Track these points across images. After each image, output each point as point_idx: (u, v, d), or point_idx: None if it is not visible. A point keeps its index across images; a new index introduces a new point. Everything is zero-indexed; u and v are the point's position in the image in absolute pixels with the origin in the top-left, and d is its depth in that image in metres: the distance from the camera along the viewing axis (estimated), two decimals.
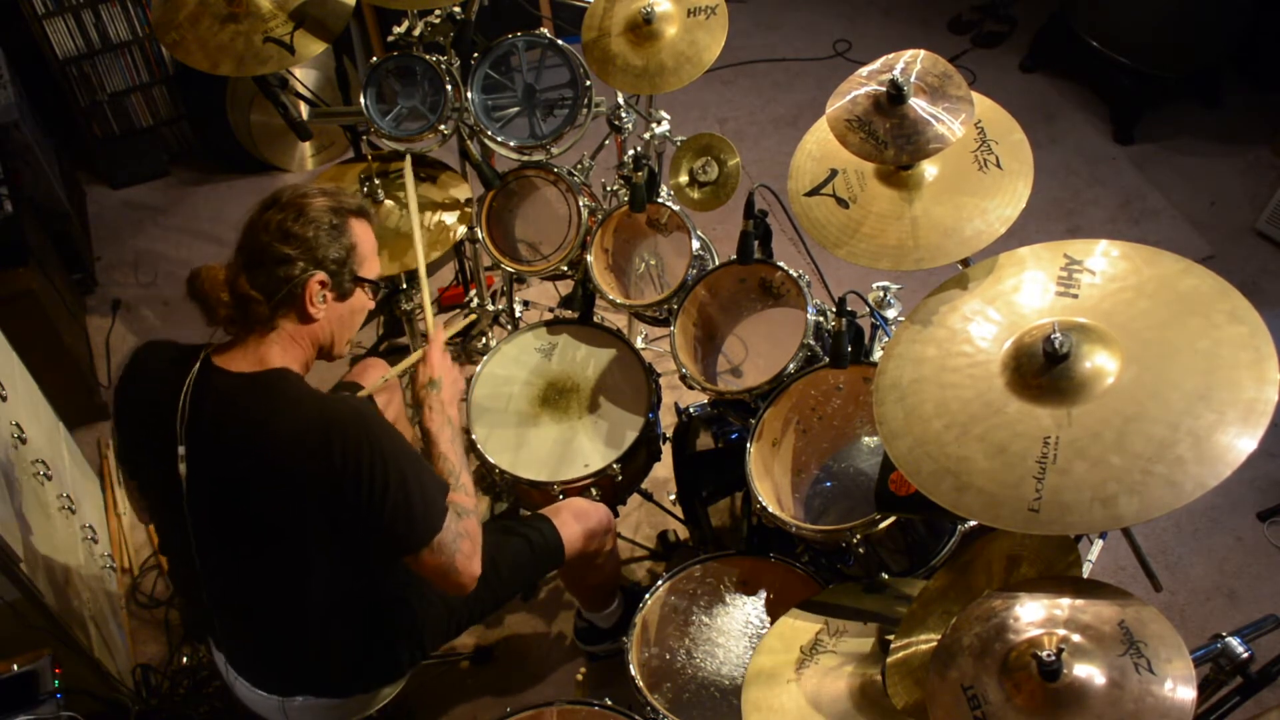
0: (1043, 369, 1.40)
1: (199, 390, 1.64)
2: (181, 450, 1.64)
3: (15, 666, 2.04)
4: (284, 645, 1.80)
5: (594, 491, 2.28)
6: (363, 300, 1.76)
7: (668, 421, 2.48)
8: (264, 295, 1.63)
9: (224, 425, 1.62)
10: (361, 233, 1.72)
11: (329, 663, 1.82)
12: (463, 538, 1.68)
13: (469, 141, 2.55)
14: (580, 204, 2.53)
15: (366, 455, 1.56)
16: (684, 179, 2.54)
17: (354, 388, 2.23)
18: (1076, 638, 1.27)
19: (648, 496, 2.66)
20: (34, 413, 2.49)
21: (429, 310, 2.06)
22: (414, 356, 1.95)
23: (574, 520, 2.13)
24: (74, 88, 3.78)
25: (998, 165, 1.66)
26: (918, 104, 1.61)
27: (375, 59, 2.47)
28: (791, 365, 2.10)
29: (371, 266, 1.77)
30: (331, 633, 1.77)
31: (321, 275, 1.65)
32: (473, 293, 3.17)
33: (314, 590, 1.69)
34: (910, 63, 1.65)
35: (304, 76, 3.64)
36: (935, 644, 1.41)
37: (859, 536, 1.83)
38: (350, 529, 1.62)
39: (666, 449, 2.49)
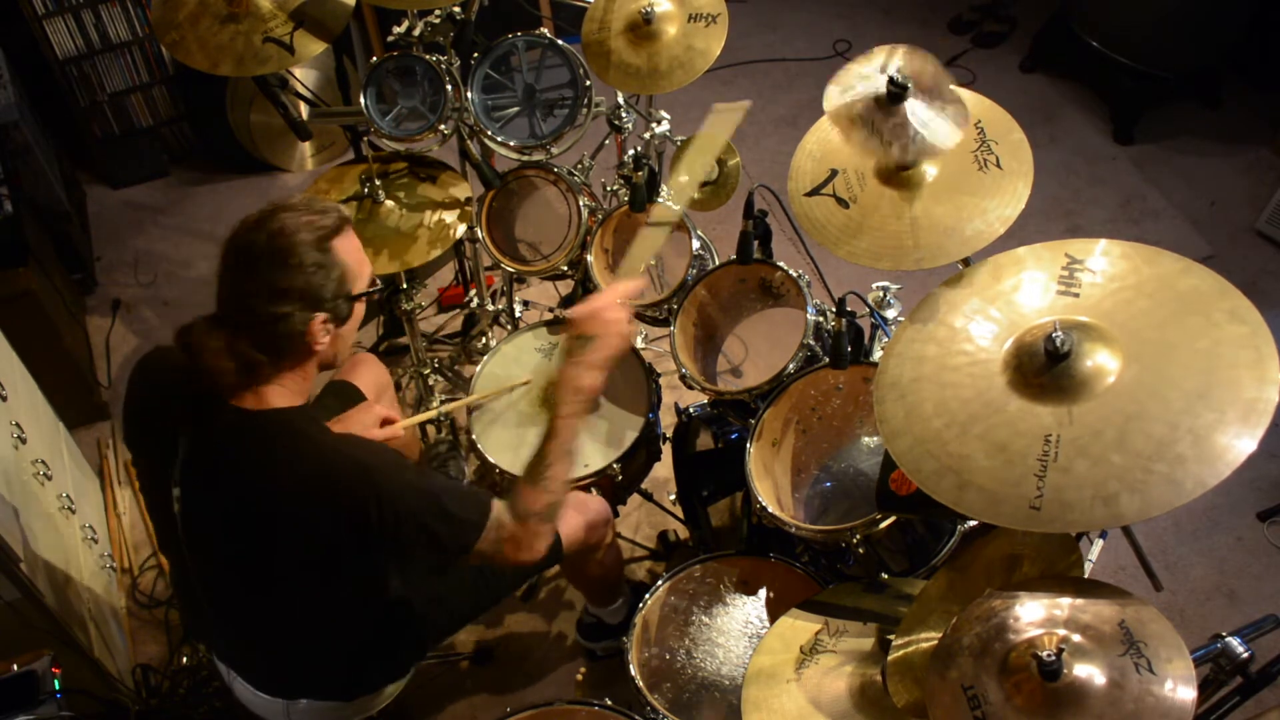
0: (1044, 367, 1.39)
1: (198, 428, 1.60)
2: (176, 491, 1.63)
3: (15, 666, 2.04)
4: (288, 653, 1.80)
5: (594, 491, 2.28)
6: (361, 310, 1.69)
7: (668, 421, 2.48)
8: (268, 355, 1.57)
9: (218, 470, 1.59)
10: (346, 249, 1.60)
11: (333, 667, 1.82)
12: (505, 541, 1.64)
13: (469, 141, 2.55)
14: (580, 204, 2.53)
15: (374, 506, 1.53)
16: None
17: (345, 386, 2.23)
18: (1076, 638, 1.27)
19: (648, 496, 2.65)
20: (34, 413, 2.49)
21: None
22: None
23: (572, 513, 2.11)
24: (74, 88, 3.78)
25: (998, 165, 1.66)
26: (917, 105, 1.61)
27: (375, 59, 2.46)
28: (791, 365, 2.09)
29: (363, 275, 1.66)
30: (335, 640, 1.78)
31: (322, 315, 1.58)
32: (473, 292, 3.17)
33: (318, 602, 1.69)
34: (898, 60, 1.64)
35: (304, 76, 3.64)
36: (935, 644, 1.41)
37: (859, 536, 1.83)
38: (370, 557, 1.61)
39: (666, 449, 2.49)
